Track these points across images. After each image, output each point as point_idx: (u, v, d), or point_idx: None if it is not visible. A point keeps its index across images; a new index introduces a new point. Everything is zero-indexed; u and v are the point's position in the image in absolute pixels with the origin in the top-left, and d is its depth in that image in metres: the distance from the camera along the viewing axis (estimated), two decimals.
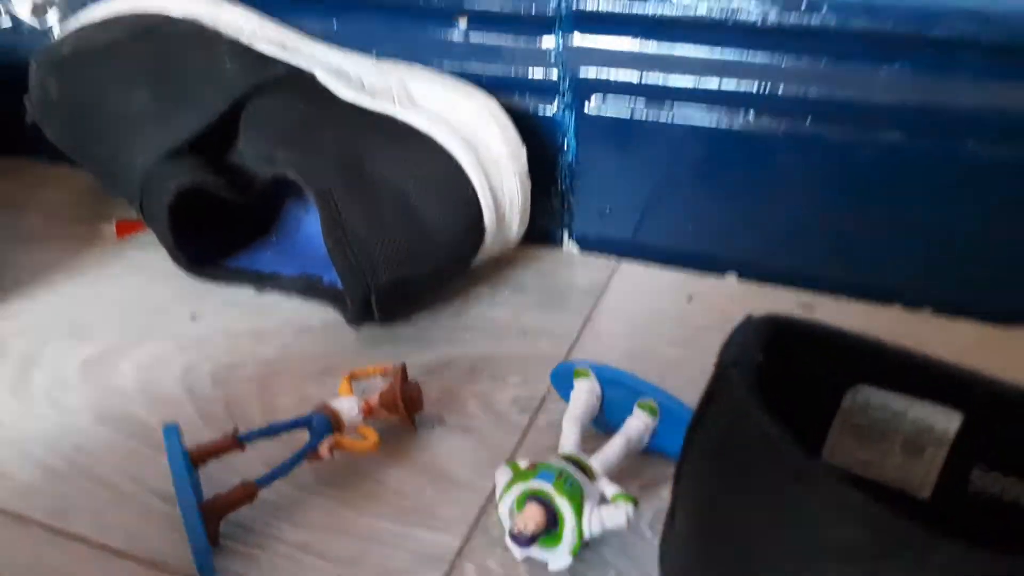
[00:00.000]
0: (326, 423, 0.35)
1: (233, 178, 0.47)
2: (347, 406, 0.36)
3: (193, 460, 0.33)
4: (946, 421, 0.26)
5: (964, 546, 0.18)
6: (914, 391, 0.26)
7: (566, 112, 0.48)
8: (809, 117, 0.42)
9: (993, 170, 0.40)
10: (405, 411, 0.37)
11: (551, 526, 0.30)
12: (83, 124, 0.51)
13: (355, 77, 0.48)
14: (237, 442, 0.34)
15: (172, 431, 0.34)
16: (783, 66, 0.42)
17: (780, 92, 0.42)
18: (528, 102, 0.48)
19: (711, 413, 0.24)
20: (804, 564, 0.21)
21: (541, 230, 0.51)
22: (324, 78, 0.47)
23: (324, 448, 0.34)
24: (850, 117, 0.42)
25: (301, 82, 0.47)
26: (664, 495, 0.35)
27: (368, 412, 0.36)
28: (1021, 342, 0.42)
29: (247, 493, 0.33)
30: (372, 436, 0.36)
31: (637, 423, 0.34)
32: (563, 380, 0.38)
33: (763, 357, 0.24)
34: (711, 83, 0.43)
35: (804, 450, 0.21)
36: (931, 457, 0.27)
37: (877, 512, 0.19)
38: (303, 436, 0.36)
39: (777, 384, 0.25)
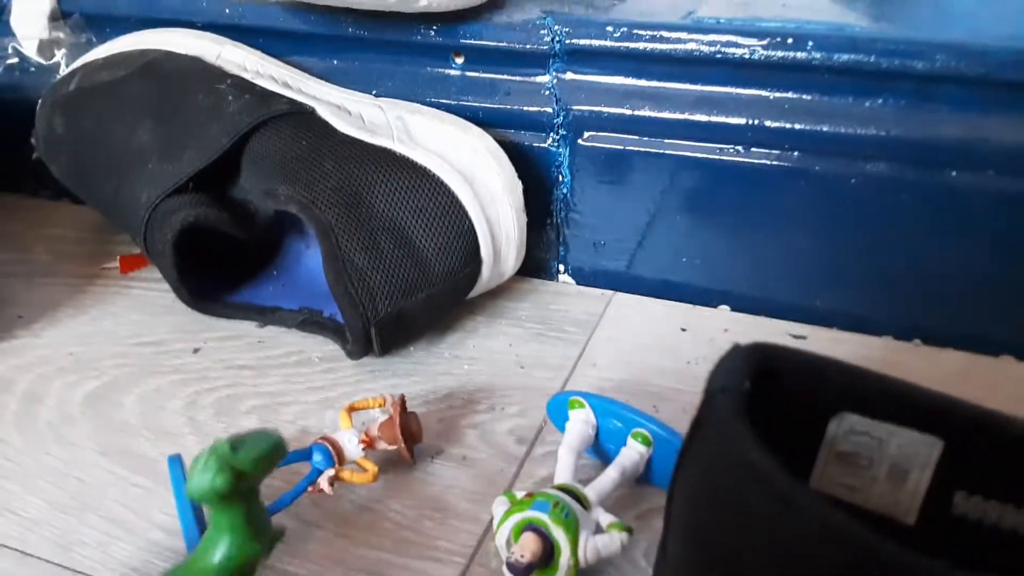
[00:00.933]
0: (327, 456, 0.36)
1: (236, 213, 0.47)
2: (347, 439, 0.37)
3: None
4: (928, 447, 0.26)
5: (946, 566, 0.19)
6: (896, 418, 0.27)
7: (561, 146, 0.48)
8: (797, 150, 0.43)
9: (974, 200, 0.41)
10: (404, 443, 0.38)
11: (547, 555, 0.31)
12: (88, 160, 0.52)
13: (355, 113, 0.49)
14: None
15: (176, 462, 0.35)
16: (771, 100, 0.43)
17: (768, 125, 0.43)
18: (523, 137, 0.49)
19: (699, 439, 0.25)
20: None
21: (537, 262, 0.52)
22: (325, 114, 0.48)
23: (324, 481, 0.35)
24: (836, 150, 0.43)
25: (303, 118, 0.48)
26: (658, 525, 0.35)
27: (368, 444, 0.37)
28: (1005, 371, 0.43)
29: None
30: (371, 468, 0.36)
31: (631, 453, 0.35)
32: (558, 411, 0.38)
33: (750, 384, 0.25)
34: (701, 117, 0.44)
35: (790, 475, 0.21)
36: (915, 483, 0.27)
37: (860, 534, 0.20)
38: (304, 468, 0.37)
39: (766, 412, 0.26)
